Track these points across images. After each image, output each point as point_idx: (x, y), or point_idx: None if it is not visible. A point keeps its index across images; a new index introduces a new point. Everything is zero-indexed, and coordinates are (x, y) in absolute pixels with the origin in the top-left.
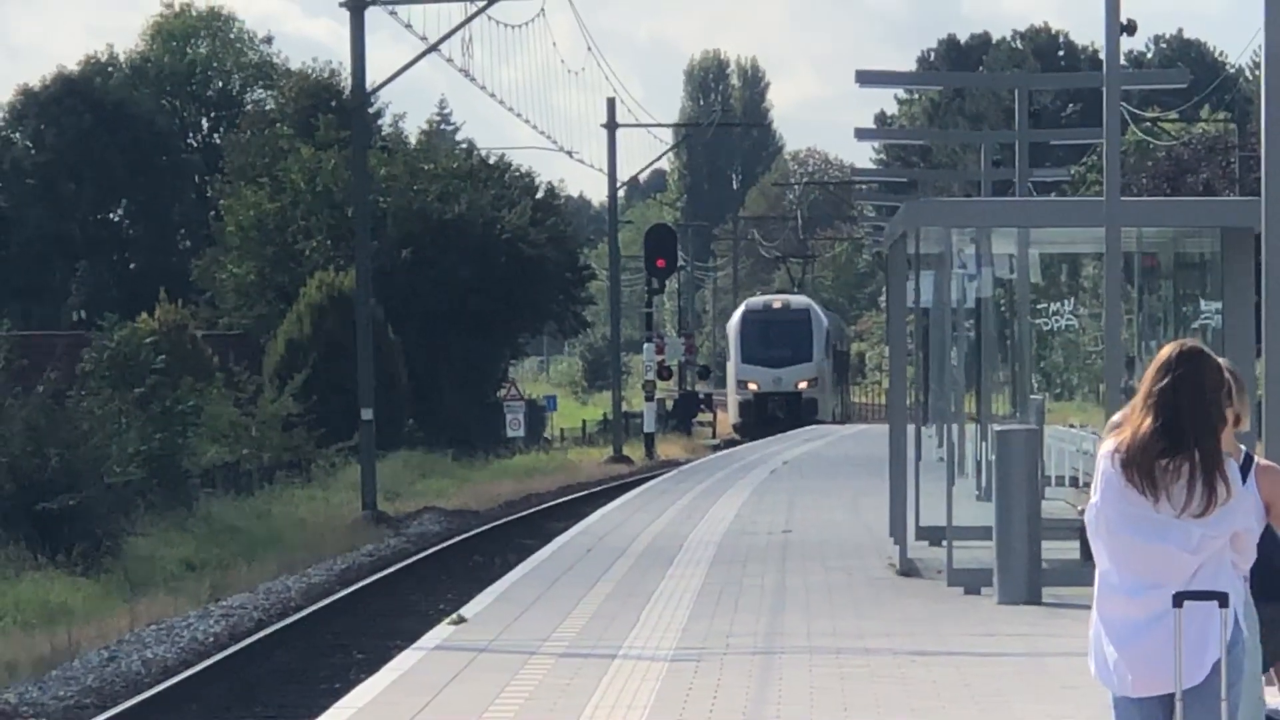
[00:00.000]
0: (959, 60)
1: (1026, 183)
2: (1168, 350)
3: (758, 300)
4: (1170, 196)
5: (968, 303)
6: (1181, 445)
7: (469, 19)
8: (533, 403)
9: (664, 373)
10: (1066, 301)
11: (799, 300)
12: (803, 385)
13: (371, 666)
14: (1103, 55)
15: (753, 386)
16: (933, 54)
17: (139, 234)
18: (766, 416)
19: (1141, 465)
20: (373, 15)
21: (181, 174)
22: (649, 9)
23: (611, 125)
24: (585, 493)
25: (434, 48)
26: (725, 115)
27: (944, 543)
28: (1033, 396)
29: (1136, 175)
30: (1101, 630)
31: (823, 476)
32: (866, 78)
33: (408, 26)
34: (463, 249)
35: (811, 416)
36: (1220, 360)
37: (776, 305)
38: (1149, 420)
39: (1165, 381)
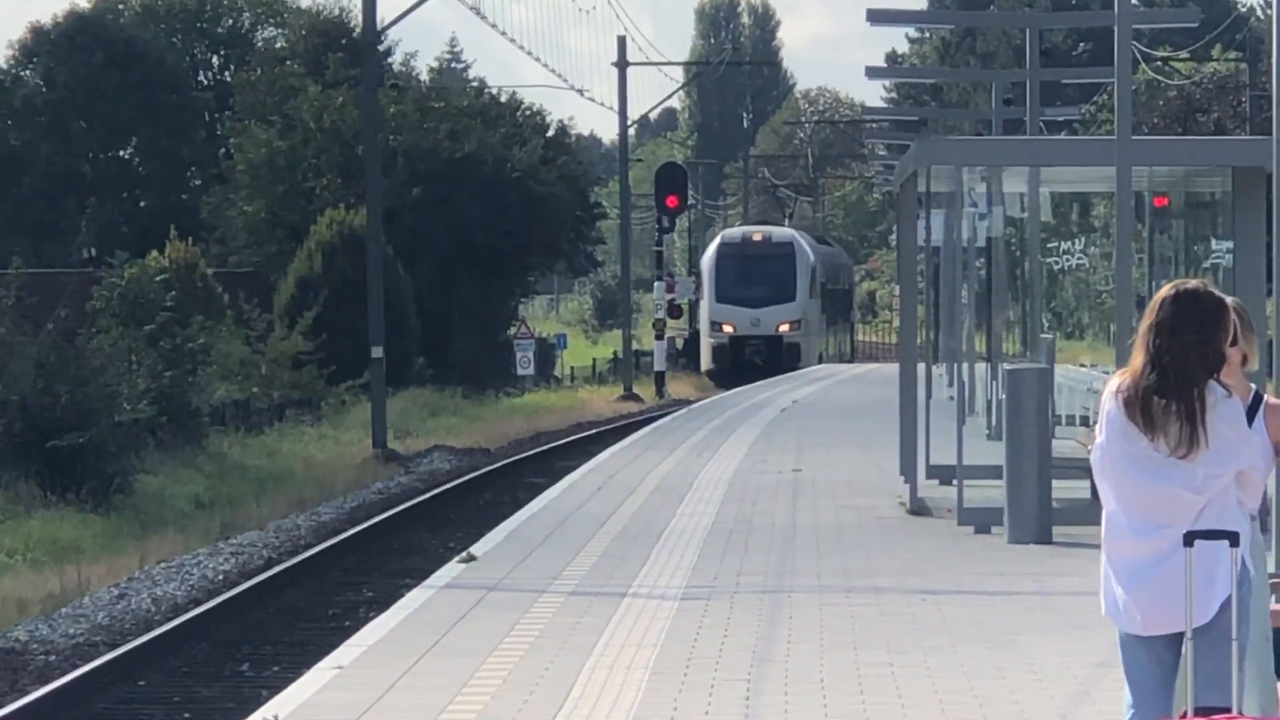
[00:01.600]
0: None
1: (1038, 122)
2: (1164, 290)
3: (735, 232)
4: (1181, 136)
5: (978, 242)
6: (1169, 385)
7: None
8: (543, 341)
9: (674, 311)
10: (1077, 240)
11: (781, 233)
12: (784, 328)
13: (381, 604)
14: None
15: (728, 328)
16: None
17: (149, 172)
18: (743, 362)
19: (1140, 404)
20: None
21: (192, 112)
22: None
23: (622, 64)
24: (595, 431)
25: None
26: (736, 54)
27: (954, 482)
28: (1043, 335)
29: (1148, 115)
30: (1109, 570)
31: (835, 417)
32: (877, 16)
33: None
34: (473, 188)
35: (794, 363)
36: (1228, 299)
37: (756, 238)
38: (1141, 358)
39: (1155, 320)
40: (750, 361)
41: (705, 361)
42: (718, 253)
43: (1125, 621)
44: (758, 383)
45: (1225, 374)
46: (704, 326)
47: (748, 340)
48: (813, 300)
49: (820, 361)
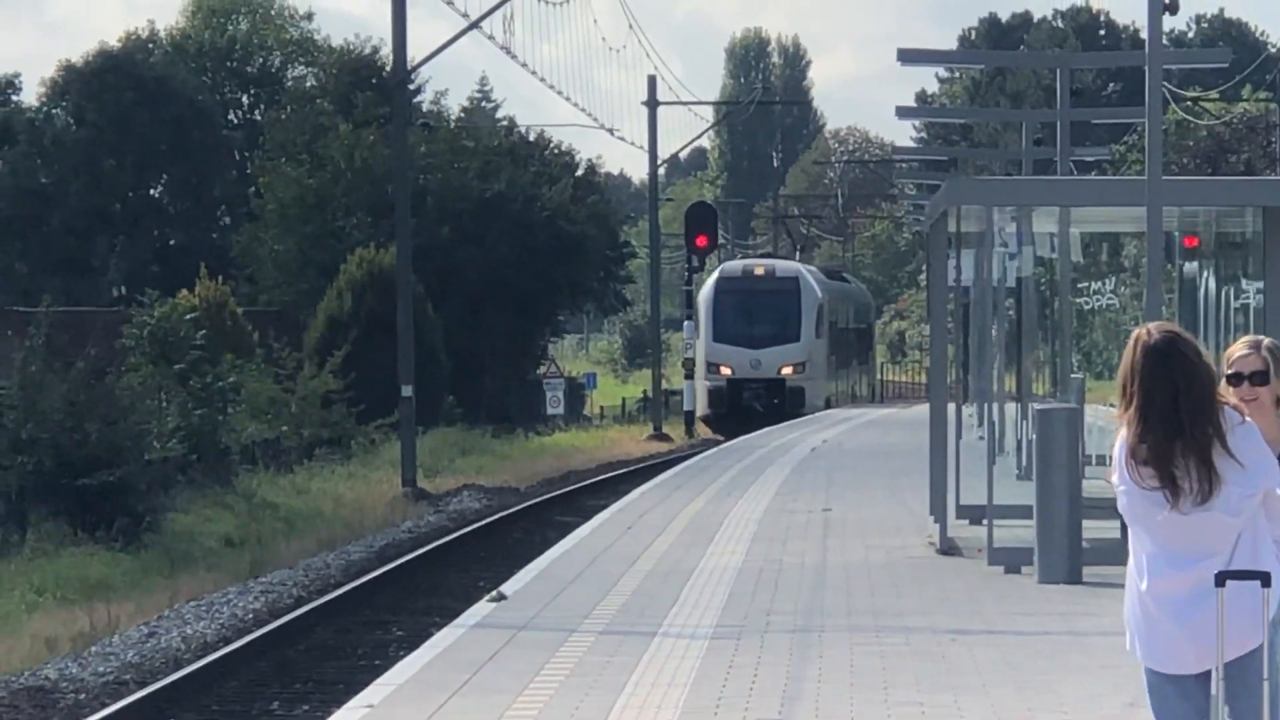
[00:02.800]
0: (1000, 39)
1: (1068, 161)
2: (1133, 347)
3: (735, 265)
4: (1211, 176)
5: (1008, 281)
6: (1173, 435)
7: None
8: (573, 380)
9: None
10: (1107, 280)
11: (786, 266)
12: (787, 370)
13: (411, 643)
14: (1144, 34)
15: (725, 371)
16: (973, 33)
17: (179, 210)
18: (741, 407)
19: (1153, 462)
20: None
21: (222, 150)
22: None
23: (652, 103)
24: (625, 470)
25: (475, 25)
26: (766, 93)
27: (984, 521)
28: (1073, 375)
29: (1177, 155)
30: (1148, 610)
31: (863, 456)
32: (908, 56)
33: (449, 3)
34: (503, 226)
35: (797, 408)
36: (1264, 339)
37: (758, 272)
38: (1132, 410)
39: (1135, 371)
40: (749, 407)
41: (700, 406)
42: (716, 287)
43: (1164, 660)
44: (783, 424)
45: (1257, 413)
46: (699, 368)
47: (747, 383)
48: (819, 340)
49: (828, 406)
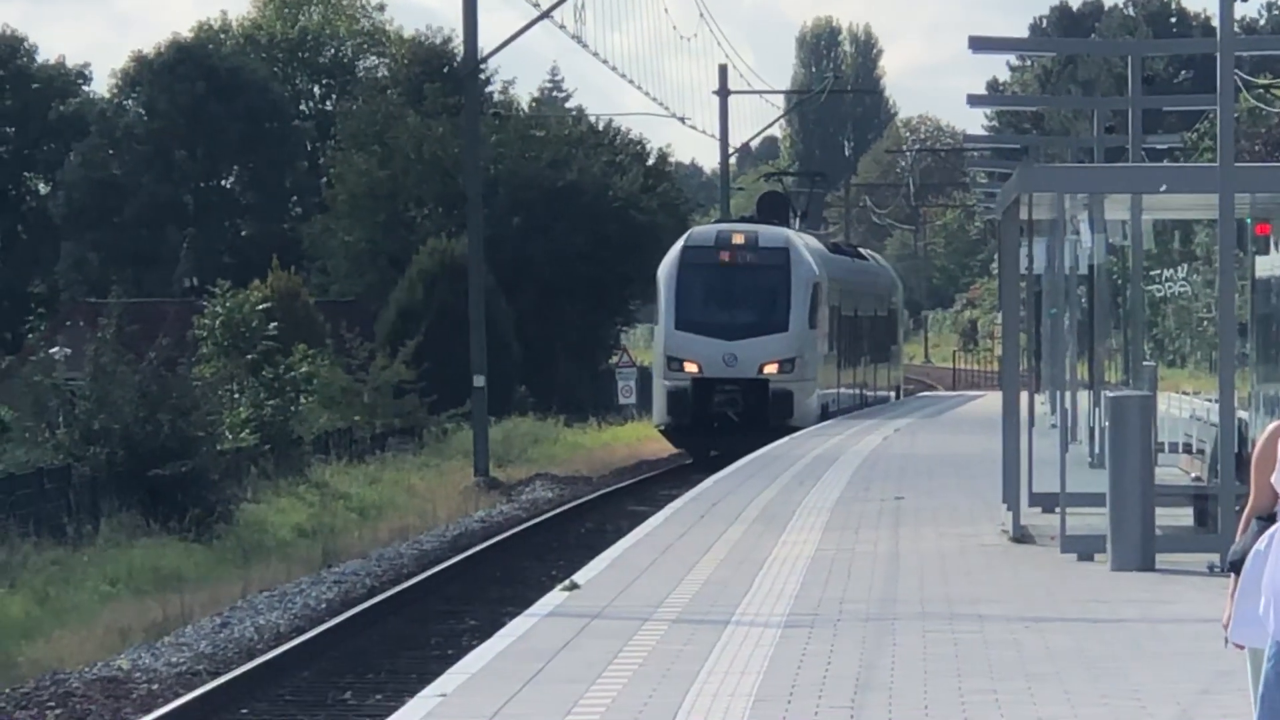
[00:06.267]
0: (1071, 27)
1: (1139, 149)
2: None
3: (706, 231)
4: None
5: (1080, 269)
6: None
7: None
8: (645, 370)
9: None
10: (1179, 268)
11: (773, 234)
12: (770, 368)
13: (484, 633)
14: (1216, 22)
15: (691, 368)
16: (1044, 21)
17: (251, 201)
18: (710, 414)
19: None
20: None
21: (293, 141)
22: None
23: (724, 92)
24: (697, 459)
25: (546, 14)
26: (837, 81)
27: (1057, 509)
28: (1145, 363)
29: (1249, 142)
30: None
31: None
32: (980, 44)
33: None
34: (574, 216)
35: (783, 417)
36: None
37: (736, 240)
38: None
39: None
40: (720, 414)
41: (659, 413)
42: (680, 260)
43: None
44: (853, 413)
45: None
46: (657, 363)
47: (718, 384)
48: (814, 331)
49: (825, 416)
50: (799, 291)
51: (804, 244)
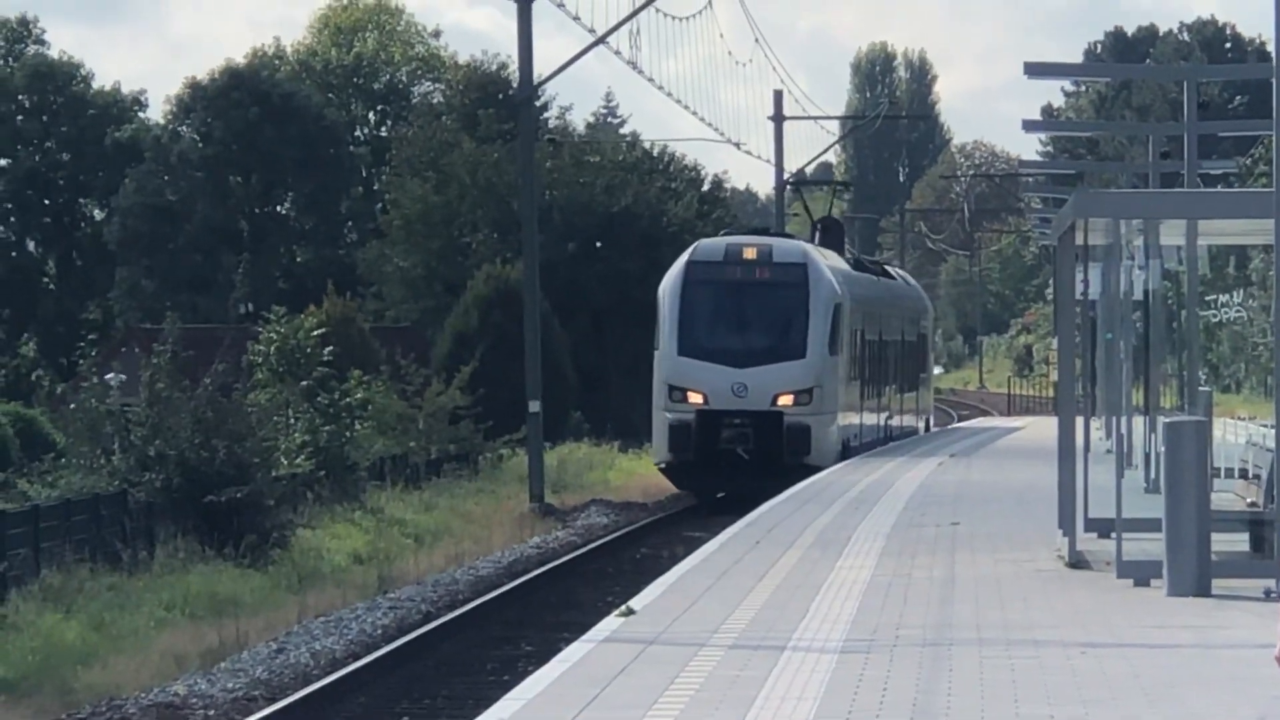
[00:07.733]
0: (1125, 53)
1: (1195, 174)
2: None
3: (715, 244)
4: None
5: (1135, 294)
6: None
7: (637, 10)
8: None
9: None
10: (1235, 293)
11: (789, 247)
12: (785, 400)
13: (540, 658)
14: (1270, 47)
15: (695, 398)
16: (1099, 46)
17: (306, 227)
18: (717, 450)
19: None
20: (539, 4)
21: (348, 167)
22: (810, 2)
23: (779, 117)
24: None
25: (602, 40)
26: (892, 107)
27: (1113, 535)
28: (1201, 388)
29: None
30: None
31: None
32: (1035, 69)
33: (575, 19)
34: (629, 242)
35: (800, 455)
36: None
37: (748, 255)
38: None
39: None
40: (728, 451)
41: (660, 450)
42: (684, 276)
43: None
44: (904, 440)
45: None
46: (658, 393)
47: (726, 418)
48: (836, 357)
49: (847, 454)
50: (818, 313)
51: (824, 260)
